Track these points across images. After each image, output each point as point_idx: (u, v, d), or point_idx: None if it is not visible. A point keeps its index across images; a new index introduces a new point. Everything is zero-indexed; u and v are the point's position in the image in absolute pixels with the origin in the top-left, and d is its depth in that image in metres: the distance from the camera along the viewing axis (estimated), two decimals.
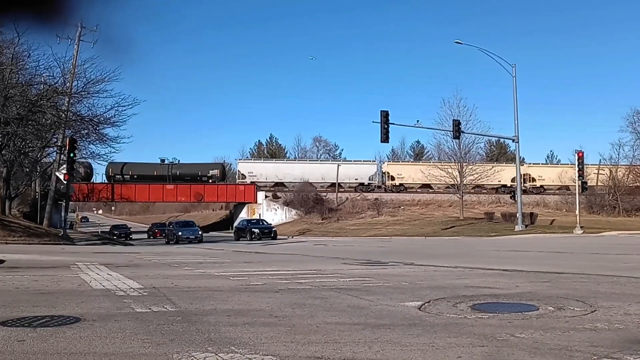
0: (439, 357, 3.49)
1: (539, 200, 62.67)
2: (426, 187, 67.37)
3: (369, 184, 70.16)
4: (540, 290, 6.91)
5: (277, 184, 69.97)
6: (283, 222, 64.60)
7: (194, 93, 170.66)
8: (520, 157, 42.51)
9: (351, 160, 75.87)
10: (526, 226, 38.97)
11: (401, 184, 69.09)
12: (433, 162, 64.12)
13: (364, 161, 74.22)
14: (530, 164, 70.84)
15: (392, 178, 69.83)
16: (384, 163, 75.56)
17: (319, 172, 70.10)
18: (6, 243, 20.64)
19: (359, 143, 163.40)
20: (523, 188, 49.60)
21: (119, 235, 54.85)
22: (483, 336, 4.06)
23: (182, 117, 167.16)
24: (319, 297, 6.28)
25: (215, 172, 68.29)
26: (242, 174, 69.79)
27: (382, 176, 70.79)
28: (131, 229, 61.43)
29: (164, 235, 48.04)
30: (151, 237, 56.12)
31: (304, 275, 9.33)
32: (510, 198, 46.17)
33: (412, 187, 68.44)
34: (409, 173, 70.02)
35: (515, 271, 9.72)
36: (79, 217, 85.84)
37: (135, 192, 67.96)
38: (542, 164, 74.61)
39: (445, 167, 54.43)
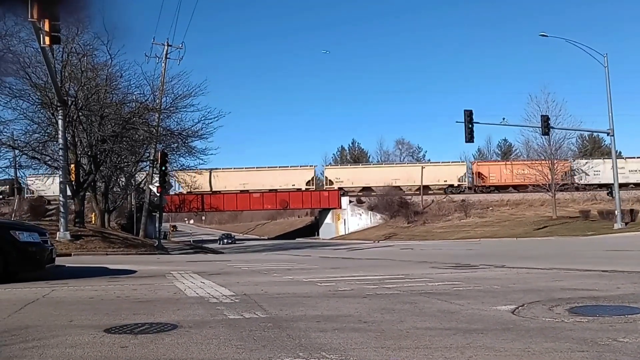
0: None
1: (639, 196, 59.10)
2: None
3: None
4: None
5: (364, 189, 69.98)
6: (368, 227, 64.55)
7: (274, 101, 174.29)
8: (616, 151, 40.28)
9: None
10: (626, 224, 36.82)
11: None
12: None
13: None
14: (628, 157, 67.01)
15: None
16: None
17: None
18: (106, 254, 21.75)
19: (443, 144, 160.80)
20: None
21: (227, 242, 64.19)
22: (582, 341, 3.88)
23: (264, 125, 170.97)
24: (407, 302, 6.22)
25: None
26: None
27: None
28: (235, 236, 73.02)
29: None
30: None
31: (392, 280, 9.26)
32: (607, 194, 43.91)
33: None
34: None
35: (615, 272, 9.22)
36: (172, 228, 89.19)
37: (223, 202, 70.15)
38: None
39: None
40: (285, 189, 68.86)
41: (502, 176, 67.33)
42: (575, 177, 55.27)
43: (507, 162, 70.25)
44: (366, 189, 69.88)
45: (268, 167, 70.10)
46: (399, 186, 67.94)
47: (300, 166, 72.00)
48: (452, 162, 72.11)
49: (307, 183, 69.53)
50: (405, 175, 68.91)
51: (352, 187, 69.45)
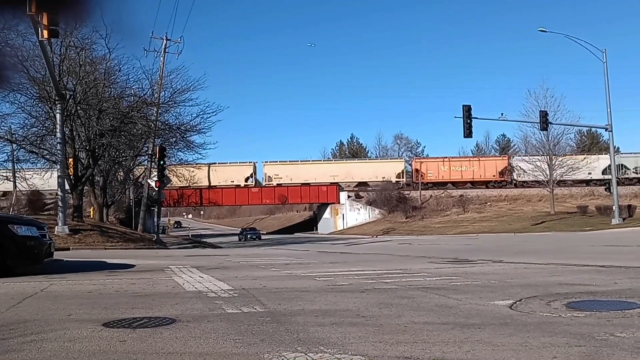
0: (533, 357, 3.37)
1: (637, 192, 59.22)
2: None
3: (396, 181, 69.59)
4: None
5: (360, 184, 70.03)
6: (366, 222, 64.62)
7: (274, 95, 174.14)
8: (614, 147, 40.31)
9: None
10: (624, 219, 36.89)
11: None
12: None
13: (390, 159, 74.01)
14: (625, 153, 67.32)
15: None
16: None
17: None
18: (105, 248, 21.76)
19: (442, 139, 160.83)
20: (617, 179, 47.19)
21: (251, 238, 57.64)
22: (580, 335, 3.89)
23: (263, 120, 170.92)
24: (405, 297, 6.23)
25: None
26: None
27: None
28: (260, 232, 65.63)
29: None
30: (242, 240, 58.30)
31: (390, 274, 9.28)
32: (605, 190, 43.94)
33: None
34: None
35: (613, 267, 9.24)
36: (170, 221, 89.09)
37: (222, 196, 70.07)
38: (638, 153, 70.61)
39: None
40: (225, 185, 68.57)
41: (440, 173, 68.57)
42: (572, 172, 55.39)
43: (445, 159, 71.96)
44: (361, 184, 69.94)
45: (209, 163, 68.48)
46: (337, 182, 68.42)
47: (240, 162, 71.19)
48: (390, 159, 73.18)
49: (246, 179, 69.07)
50: (343, 172, 69.20)
51: (291, 183, 69.33)
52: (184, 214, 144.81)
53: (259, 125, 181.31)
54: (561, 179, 53.47)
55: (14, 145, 29.19)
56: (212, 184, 67.85)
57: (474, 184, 67.64)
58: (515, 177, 66.26)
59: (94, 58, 28.67)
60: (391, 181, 68.50)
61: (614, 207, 36.94)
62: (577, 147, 75.41)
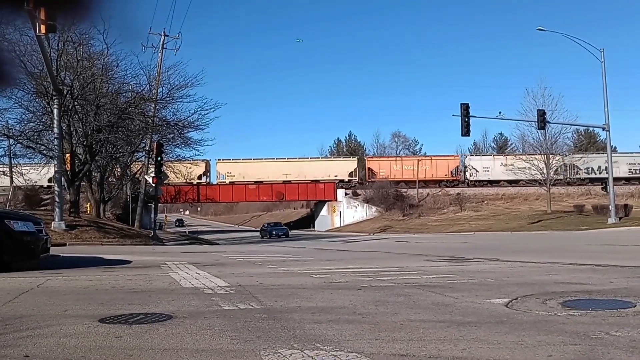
0: (529, 355, 3.38)
1: (633, 191, 59.36)
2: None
3: (349, 180, 69.68)
4: (637, 286, 6.56)
5: (256, 183, 69.59)
6: (363, 219, 64.64)
7: (273, 93, 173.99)
8: (611, 146, 40.38)
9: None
10: (620, 219, 36.98)
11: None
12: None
13: (343, 158, 73.70)
14: (622, 153, 67.63)
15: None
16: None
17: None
18: (102, 244, 21.74)
19: (440, 138, 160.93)
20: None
21: (277, 235, 49.28)
22: (575, 334, 3.90)
23: (262, 117, 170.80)
24: (402, 295, 6.24)
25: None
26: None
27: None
28: (284, 227, 55.17)
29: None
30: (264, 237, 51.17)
31: (387, 272, 9.29)
32: (602, 189, 44.02)
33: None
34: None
35: (609, 266, 9.27)
36: (167, 218, 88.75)
37: (219, 193, 70.03)
38: (635, 152, 70.79)
39: (531, 159, 52.76)
40: (178, 183, 68.10)
41: (392, 172, 69.12)
42: (569, 171, 55.69)
43: (398, 158, 72.96)
44: (258, 184, 69.52)
45: (166, 160, 67.30)
46: (289, 180, 68.35)
47: (193, 160, 70.68)
48: (344, 158, 73.29)
49: (199, 177, 68.53)
50: (296, 171, 69.13)
51: (244, 181, 69.08)
52: (181, 210, 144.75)
53: (257, 122, 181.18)
54: (558, 177, 53.70)
55: (11, 140, 29.08)
56: (172, 182, 67.39)
57: (427, 183, 68.22)
58: (468, 177, 67.16)
59: (91, 53, 28.56)
60: (343, 180, 68.79)
61: (610, 206, 37.02)
62: (575, 147, 75.58)
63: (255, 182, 68.60)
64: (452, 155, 74.20)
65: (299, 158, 73.70)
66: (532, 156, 52.28)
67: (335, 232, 59.75)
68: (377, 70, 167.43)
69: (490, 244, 21.41)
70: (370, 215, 65.52)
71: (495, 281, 7.47)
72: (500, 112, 38.95)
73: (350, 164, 71.31)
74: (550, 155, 51.31)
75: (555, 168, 52.17)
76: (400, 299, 5.88)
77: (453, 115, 34.85)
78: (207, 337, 4.04)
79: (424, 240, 28.58)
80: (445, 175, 68.35)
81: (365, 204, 67.18)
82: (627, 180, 63.77)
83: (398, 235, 41.97)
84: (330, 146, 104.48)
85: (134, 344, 3.83)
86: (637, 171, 65.61)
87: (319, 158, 74.86)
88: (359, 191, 69.23)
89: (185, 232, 62.66)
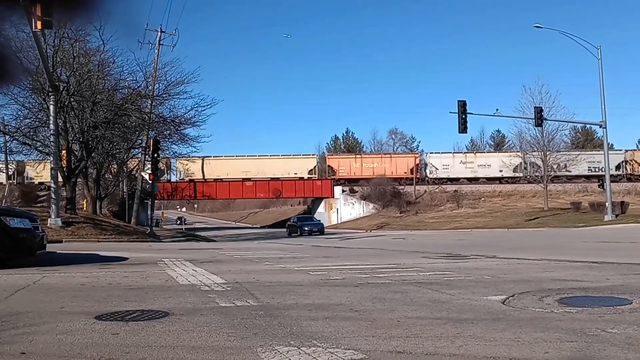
0: (525, 352, 3.39)
1: (630, 188, 59.56)
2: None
3: (308, 177, 69.93)
4: (634, 283, 6.57)
5: (215, 180, 69.45)
6: (361, 216, 64.62)
7: (269, 89, 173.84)
8: (608, 143, 40.41)
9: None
10: (616, 216, 37.02)
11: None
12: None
13: (303, 155, 73.56)
14: (621, 150, 67.92)
15: (334, 171, 69.95)
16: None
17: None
18: (98, 241, 21.69)
19: (437, 135, 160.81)
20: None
21: (310, 232, 42.63)
22: (572, 331, 3.91)
23: (259, 114, 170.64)
24: (399, 292, 6.24)
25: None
26: (334, 170, 70.14)
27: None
28: (319, 222, 47.31)
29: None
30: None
31: (384, 269, 9.30)
32: (599, 186, 44.08)
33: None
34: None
35: (605, 263, 9.29)
36: (164, 214, 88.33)
37: (216, 190, 69.94)
38: (632, 150, 70.89)
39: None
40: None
41: (352, 169, 69.28)
42: (567, 169, 55.71)
43: (358, 156, 72.80)
44: (217, 181, 69.44)
45: (162, 157, 66.74)
46: (249, 178, 68.38)
47: (163, 157, 70.28)
48: (303, 155, 73.15)
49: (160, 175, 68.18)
50: (255, 168, 69.04)
51: (200, 179, 68.85)
52: (178, 207, 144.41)
53: (255, 119, 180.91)
54: (555, 174, 53.75)
55: (7, 137, 29.00)
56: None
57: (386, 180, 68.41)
58: (428, 174, 67.50)
59: (88, 50, 28.45)
60: (303, 177, 68.87)
61: (607, 203, 37.08)
62: (572, 144, 75.64)
63: (215, 180, 68.45)
64: (413, 153, 74.52)
65: (259, 156, 73.31)
66: (491, 153, 52.43)
67: (333, 229, 59.72)
68: (375, 68, 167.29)
69: (487, 241, 21.44)
70: (368, 212, 65.50)
71: (492, 278, 7.49)
72: (497, 109, 38.88)
73: (310, 162, 71.12)
74: (547, 152, 51.33)
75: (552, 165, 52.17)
76: (397, 296, 5.88)
77: (450, 112, 34.77)
78: (203, 334, 4.04)
79: (421, 237, 28.62)
80: (405, 172, 68.36)
81: (362, 201, 67.15)
82: (488, 179, 66.27)
83: (395, 232, 41.98)
84: (327, 143, 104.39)
85: (130, 341, 3.83)
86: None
87: (278, 155, 74.21)
88: (356, 188, 69.22)
89: (182, 229, 62.52)
